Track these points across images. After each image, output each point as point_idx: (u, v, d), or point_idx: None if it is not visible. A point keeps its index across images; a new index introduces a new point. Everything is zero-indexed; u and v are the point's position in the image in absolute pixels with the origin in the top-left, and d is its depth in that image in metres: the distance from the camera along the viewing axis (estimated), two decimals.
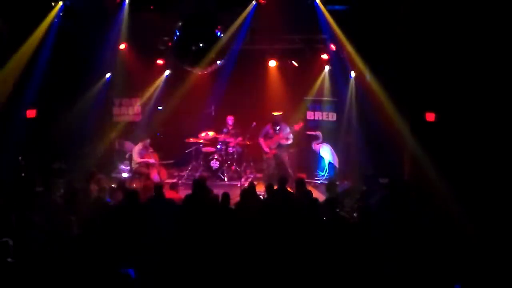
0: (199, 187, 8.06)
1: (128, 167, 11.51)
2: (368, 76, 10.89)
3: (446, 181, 8.85)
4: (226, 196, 7.60)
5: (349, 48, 10.72)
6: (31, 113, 10.59)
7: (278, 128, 11.02)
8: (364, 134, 11.03)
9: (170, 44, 11.31)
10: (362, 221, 7.06)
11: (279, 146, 10.98)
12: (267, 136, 11.11)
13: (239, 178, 11.19)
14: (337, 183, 10.25)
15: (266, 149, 11.08)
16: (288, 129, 11.01)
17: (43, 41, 10.23)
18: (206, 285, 5.82)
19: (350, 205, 8.47)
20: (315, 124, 12.07)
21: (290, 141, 11.06)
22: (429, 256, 6.06)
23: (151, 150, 11.23)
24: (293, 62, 12.32)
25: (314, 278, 5.77)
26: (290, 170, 10.76)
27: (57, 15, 10.33)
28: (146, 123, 12.51)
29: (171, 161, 12.28)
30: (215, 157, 11.97)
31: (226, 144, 12.11)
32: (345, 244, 6.26)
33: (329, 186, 8.62)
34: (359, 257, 6.00)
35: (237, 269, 5.90)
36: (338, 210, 7.39)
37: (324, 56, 11.89)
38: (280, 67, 12.52)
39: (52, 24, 10.29)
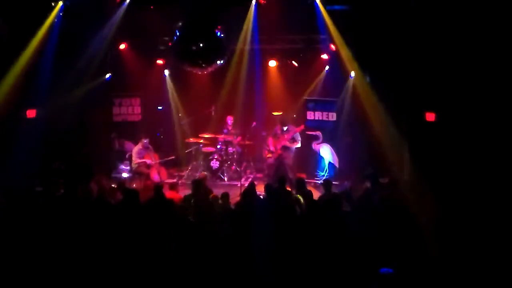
0: (199, 186, 8.05)
1: (128, 167, 11.52)
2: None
3: (446, 181, 8.86)
4: (225, 196, 7.61)
5: (344, 49, 10.75)
6: (31, 113, 10.58)
7: (285, 129, 10.97)
8: (364, 134, 11.03)
9: (170, 44, 11.31)
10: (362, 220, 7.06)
11: (284, 148, 10.93)
12: (275, 136, 11.11)
13: (239, 178, 11.18)
14: (336, 182, 10.27)
15: (272, 148, 11.08)
16: (295, 132, 10.96)
17: (45, 42, 10.23)
18: (205, 285, 5.83)
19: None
20: (315, 124, 12.06)
21: (297, 144, 10.98)
22: (429, 255, 6.07)
23: (151, 150, 11.24)
24: (293, 62, 12.31)
25: (314, 277, 5.78)
26: (290, 175, 10.55)
27: (57, 15, 10.33)
28: (146, 123, 12.52)
29: (173, 157, 12.17)
30: (215, 157, 11.97)
31: (226, 144, 12.10)
32: (345, 243, 6.27)
33: (325, 184, 8.56)
34: (359, 256, 6.00)
35: (236, 269, 5.91)
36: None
37: (324, 56, 11.89)
38: (280, 67, 12.51)
39: (53, 24, 10.29)
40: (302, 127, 11.29)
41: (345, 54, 10.83)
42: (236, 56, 11.50)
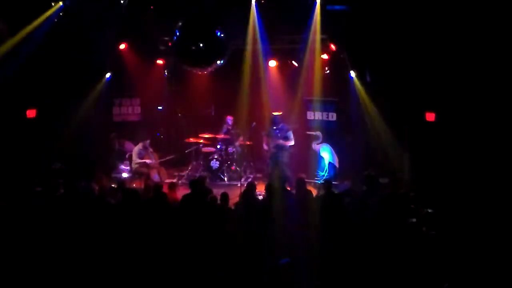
0: (197, 187, 8.04)
1: (128, 167, 11.51)
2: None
3: (447, 181, 8.86)
4: (225, 196, 7.61)
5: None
6: (31, 113, 10.58)
7: (278, 127, 10.97)
8: (365, 134, 11.03)
9: (170, 44, 11.31)
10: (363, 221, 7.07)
11: (278, 146, 10.94)
12: (269, 135, 11.11)
13: (239, 178, 11.17)
14: (336, 182, 10.26)
15: (266, 147, 11.09)
16: (288, 131, 10.94)
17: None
18: (203, 284, 5.83)
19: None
20: (315, 124, 12.04)
21: (290, 143, 10.97)
22: (428, 255, 6.07)
23: (151, 150, 11.24)
24: (293, 62, 12.31)
25: (313, 277, 5.78)
26: (288, 172, 10.55)
27: (55, 14, 10.32)
28: (146, 123, 12.51)
29: (172, 156, 12.13)
30: (215, 157, 11.96)
31: (226, 144, 12.10)
32: (346, 243, 6.28)
33: (325, 184, 8.52)
34: (358, 256, 6.01)
35: (234, 268, 5.91)
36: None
37: (324, 56, 11.88)
38: (280, 67, 12.51)
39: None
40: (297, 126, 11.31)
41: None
42: (239, 56, 11.50)
